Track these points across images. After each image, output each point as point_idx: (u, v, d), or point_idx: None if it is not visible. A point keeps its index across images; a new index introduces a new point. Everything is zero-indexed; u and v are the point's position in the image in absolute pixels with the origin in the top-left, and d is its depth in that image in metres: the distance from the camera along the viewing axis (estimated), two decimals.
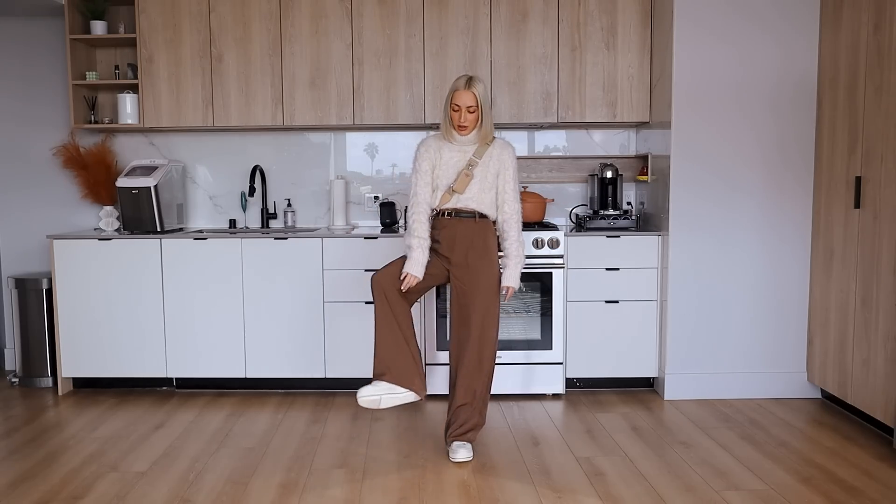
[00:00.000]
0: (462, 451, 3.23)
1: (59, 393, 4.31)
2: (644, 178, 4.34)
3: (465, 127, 3.22)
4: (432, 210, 3.29)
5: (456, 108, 3.21)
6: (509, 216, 3.28)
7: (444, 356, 4.12)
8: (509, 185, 3.28)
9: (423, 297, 4.08)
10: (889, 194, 3.30)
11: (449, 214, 3.27)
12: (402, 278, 3.19)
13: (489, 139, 3.30)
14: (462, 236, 3.25)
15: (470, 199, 3.25)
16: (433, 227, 3.29)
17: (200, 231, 4.53)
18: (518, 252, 3.29)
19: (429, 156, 3.28)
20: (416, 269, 3.19)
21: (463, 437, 3.27)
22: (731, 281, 4.08)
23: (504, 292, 3.29)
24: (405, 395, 3.21)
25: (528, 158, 4.69)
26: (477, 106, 3.20)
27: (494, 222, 3.32)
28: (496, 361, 3.30)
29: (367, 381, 4.31)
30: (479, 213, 3.26)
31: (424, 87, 4.35)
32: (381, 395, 3.19)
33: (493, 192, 3.28)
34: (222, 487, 2.99)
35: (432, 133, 3.41)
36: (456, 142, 3.27)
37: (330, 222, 4.68)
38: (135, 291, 4.23)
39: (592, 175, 4.54)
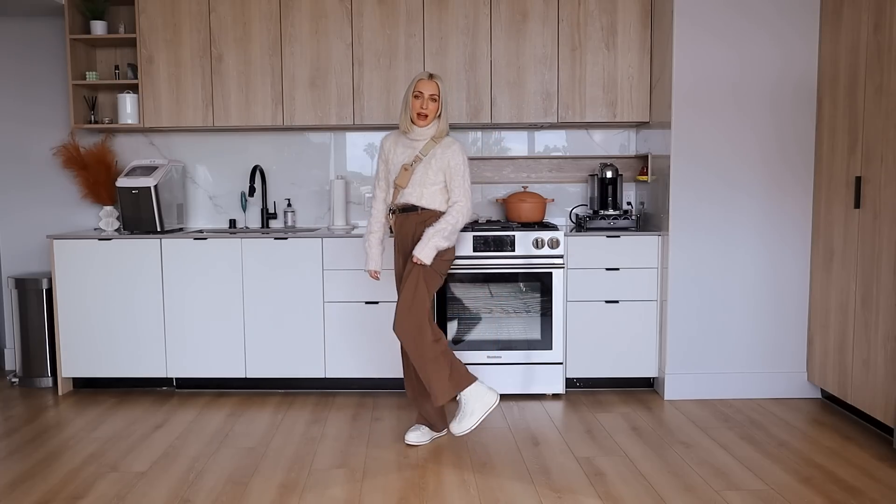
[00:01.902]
0: (413, 434, 3.46)
1: (59, 393, 4.31)
2: (644, 178, 4.34)
3: (425, 116, 3.31)
4: (388, 208, 3.48)
5: (418, 94, 3.31)
6: (451, 204, 3.35)
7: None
8: (455, 181, 3.34)
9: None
10: (889, 194, 3.30)
11: (400, 211, 3.42)
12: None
13: (442, 136, 3.37)
14: (408, 231, 3.39)
15: (410, 194, 3.35)
16: (392, 225, 3.47)
17: (200, 231, 4.53)
18: (440, 226, 3.28)
19: (383, 152, 3.46)
20: (369, 264, 3.49)
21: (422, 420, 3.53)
22: (731, 281, 4.08)
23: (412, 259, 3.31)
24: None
25: (528, 158, 4.69)
26: (438, 97, 3.32)
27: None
28: (438, 348, 3.30)
29: (366, 381, 4.32)
30: (420, 206, 3.36)
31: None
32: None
33: (436, 187, 3.34)
34: (222, 487, 2.99)
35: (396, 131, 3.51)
36: (412, 135, 3.36)
37: (330, 222, 4.68)
38: (135, 291, 4.23)
39: (592, 175, 4.54)
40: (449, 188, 3.36)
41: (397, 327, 3.30)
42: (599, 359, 4.21)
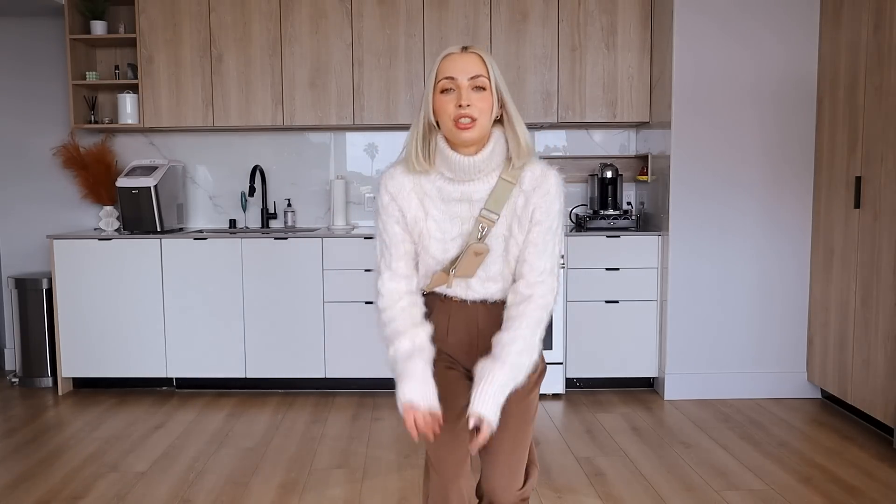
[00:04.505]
0: None
1: (59, 393, 4.31)
2: (644, 178, 4.34)
3: (471, 121, 1.72)
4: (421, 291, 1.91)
5: (448, 83, 1.75)
6: (527, 286, 1.80)
7: None
8: (544, 240, 1.81)
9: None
10: (889, 194, 3.30)
11: (454, 298, 1.88)
12: (412, 426, 1.74)
13: (520, 162, 1.79)
14: (476, 322, 1.87)
15: (478, 289, 1.84)
16: (427, 309, 1.90)
17: (200, 231, 4.53)
18: (519, 359, 1.73)
19: (395, 207, 1.82)
20: (411, 394, 1.74)
21: None
22: (731, 281, 4.07)
23: (471, 423, 1.69)
24: None
25: None
26: (488, 78, 1.75)
27: None
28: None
29: (366, 381, 4.32)
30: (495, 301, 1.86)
31: (424, 87, 4.33)
32: None
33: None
34: (222, 487, 2.99)
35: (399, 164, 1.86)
36: (458, 171, 1.76)
37: (330, 222, 4.68)
38: (135, 291, 4.23)
39: (592, 175, 4.54)
40: (526, 252, 1.80)
41: (504, 495, 1.87)
42: (599, 359, 4.21)
